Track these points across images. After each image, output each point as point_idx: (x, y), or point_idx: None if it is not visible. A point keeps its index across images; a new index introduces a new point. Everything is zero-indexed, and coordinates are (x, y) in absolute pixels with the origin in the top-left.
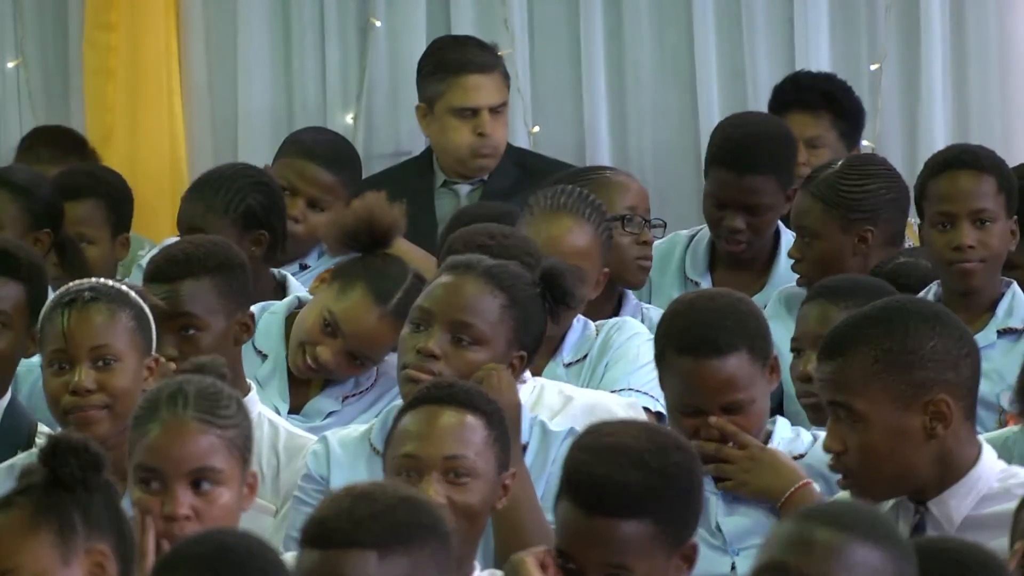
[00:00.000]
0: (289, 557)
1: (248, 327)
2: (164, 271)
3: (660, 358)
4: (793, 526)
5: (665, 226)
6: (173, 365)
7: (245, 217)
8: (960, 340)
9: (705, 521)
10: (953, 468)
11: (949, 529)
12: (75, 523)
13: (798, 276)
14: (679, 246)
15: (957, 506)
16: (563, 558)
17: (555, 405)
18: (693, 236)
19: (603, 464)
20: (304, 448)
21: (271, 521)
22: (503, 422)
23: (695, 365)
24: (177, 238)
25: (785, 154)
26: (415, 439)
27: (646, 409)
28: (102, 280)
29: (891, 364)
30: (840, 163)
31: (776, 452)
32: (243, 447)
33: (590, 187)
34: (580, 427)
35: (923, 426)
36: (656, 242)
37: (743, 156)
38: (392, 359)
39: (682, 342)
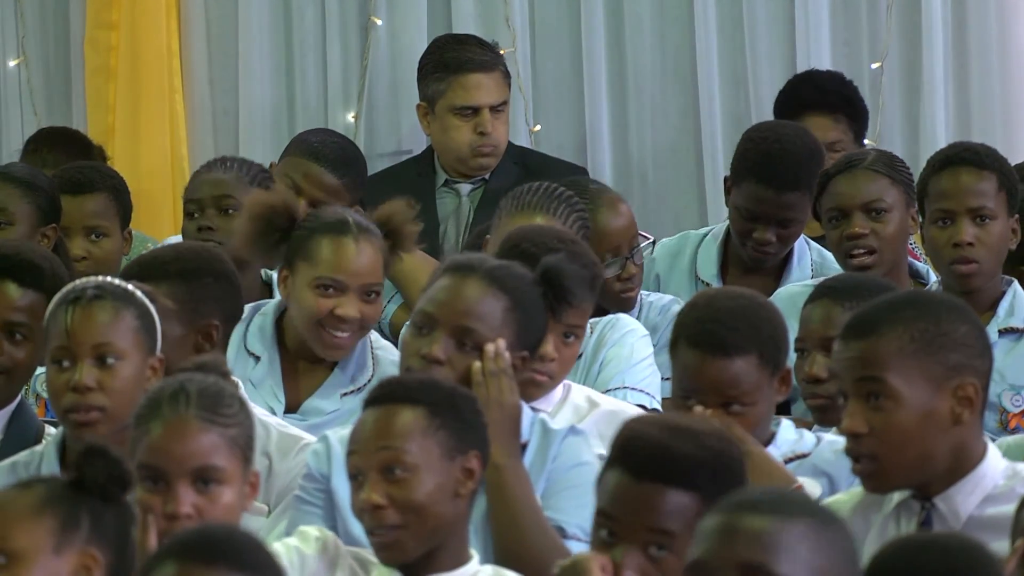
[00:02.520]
0: (308, 529)
1: (211, 336)
2: (128, 272)
3: (672, 346)
4: (721, 517)
5: (654, 242)
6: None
7: None
8: (982, 332)
9: None
10: (963, 462)
11: (955, 525)
12: (80, 522)
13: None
14: (690, 245)
15: (963, 502)
16: (604, 518)
17: (582, 408)
18: (704, 236)
19: (656, 436)
20: (295, 446)
21: (264, 522)
22: (453, 407)
23: (700, 361)
24: (178, 237)
25: (818, 168)
26: (353, 443)
27: (642, 406)
28: (107, 278)
29: (927, 344)
30: None
31: (768, 454)
32: (245, 446)
33: None
34: (602, 433)
35: (950, 410)
36: (665, 239)
37: (783, 173)
38: (388, 355)
39: (692, 336)
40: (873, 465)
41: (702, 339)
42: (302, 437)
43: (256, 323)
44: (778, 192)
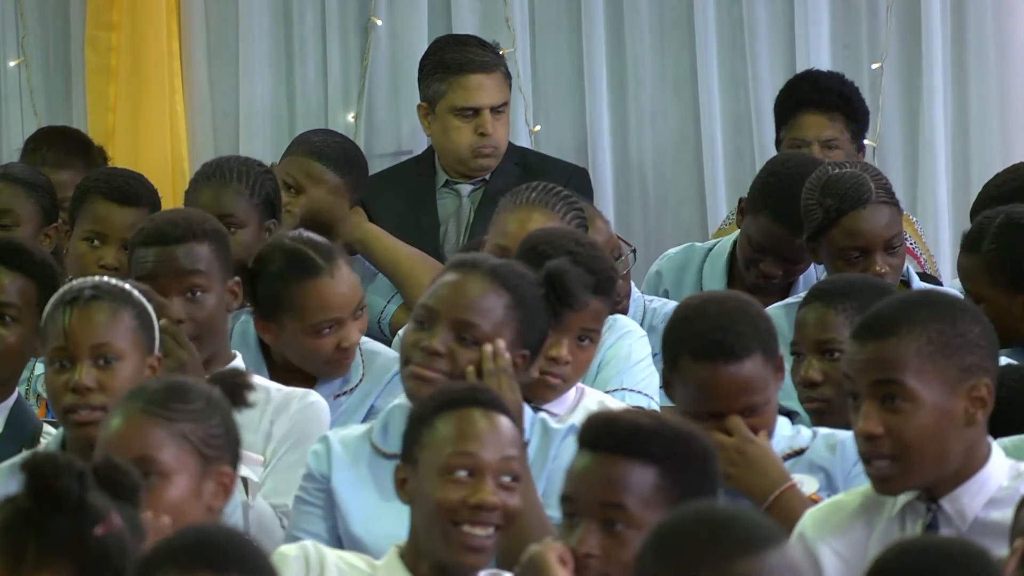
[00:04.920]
0: (287, 549)
1: (236, 294)
2: (166, 233)
3: (672, 364)
4: None
5: (635, 251)
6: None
7: (265, 203)
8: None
9: None
10: (971, 462)
11: (961, 526)
12: (27, 549)
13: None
14: (695, 259)
15: (970, 503)
16: (567, 503)
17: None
18: (710, 249)
19: (616, 412)
20: (293, 400)
21: (260, 472)
22: None
23: (713, 371)
24: None
25: None
26: (473, 439)
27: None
28: (104, 279)
29: (943, 346)
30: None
31: (764, 447)
32: (203, 442)
33: None
34: None
35: (964, 411)
36: (669, 252)
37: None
38: (377, 354)
39: (698, 348)
40: (890, 467)
41: (710, 349)
42: (296, 391)
43: (237, 330)
44: (793, 233)
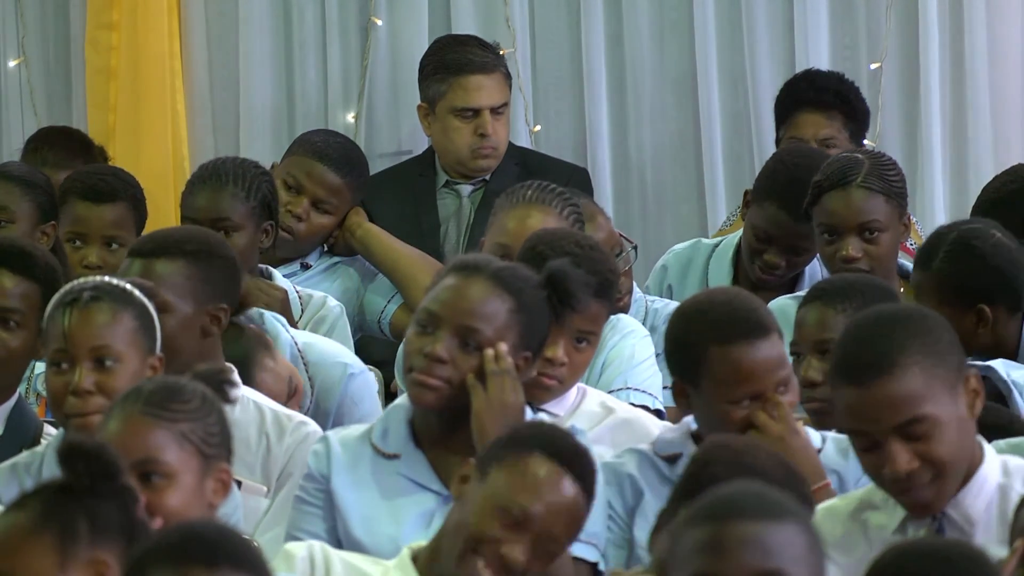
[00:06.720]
0: (293, 548)
1: (219, 320)
2: (140, 248)
3: (697, 363)
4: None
5: (636, 247)
6: None
7: (261, 205)
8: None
9: None
10: (970, 462)
11: (969, 530)
12: (79, 530)
13: None
14: (701, 255)
15: (972, 505)
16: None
17: (596, 415)
18: (716, 246)
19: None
20: (289, 425)
21: (264, 502)
22: None
23: (748, 350)
24: None
25: None
26: (533, 493)
27: (644, 407)
28: (105, 279)
29: (936, 357)
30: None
31: (806, 442)
32: (203, 441)
33: None
34: (615, 440)
35: (968, 406)
36: (678, 246)
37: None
38: (320, 371)
39: (727, 333)
40: (930, 489)
41: (738, 330)
42: (293, 416)
43: None
44: (797, 221)
